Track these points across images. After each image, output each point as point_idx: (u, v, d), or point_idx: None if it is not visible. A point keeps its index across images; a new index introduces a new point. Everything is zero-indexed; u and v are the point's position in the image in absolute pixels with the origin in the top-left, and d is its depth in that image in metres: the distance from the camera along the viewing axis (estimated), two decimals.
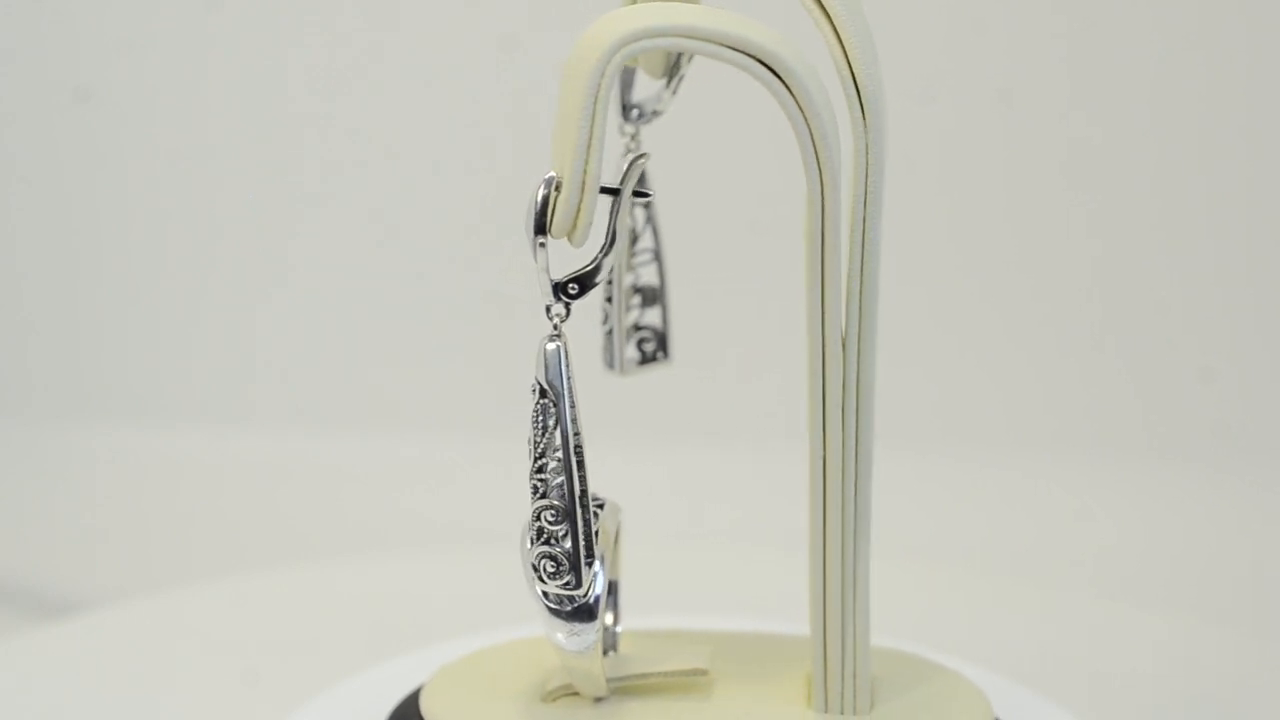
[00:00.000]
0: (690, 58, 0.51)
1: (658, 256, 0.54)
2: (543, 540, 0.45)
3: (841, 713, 0.49)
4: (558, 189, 0.44)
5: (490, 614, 0.64)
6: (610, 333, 0.54)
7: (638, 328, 0.55)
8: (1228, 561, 0.92)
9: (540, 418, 0.45)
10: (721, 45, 0.43)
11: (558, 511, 0.45)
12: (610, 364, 0.55)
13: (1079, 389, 1.01)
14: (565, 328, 0.45)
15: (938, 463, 1.00)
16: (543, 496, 0.45)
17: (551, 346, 0.45)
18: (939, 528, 0.95)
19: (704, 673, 0.50)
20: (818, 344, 0.46)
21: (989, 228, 1.02)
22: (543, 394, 0.45)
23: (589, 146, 0.43)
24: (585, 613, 0.46)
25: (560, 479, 0.45)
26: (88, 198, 1.05)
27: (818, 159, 0.44)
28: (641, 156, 0.45)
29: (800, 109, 0.44)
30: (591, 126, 0.43)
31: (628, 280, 0.54)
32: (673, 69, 0.52)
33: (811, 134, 0.44)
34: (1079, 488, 0.99)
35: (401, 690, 0.55)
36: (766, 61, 0.43)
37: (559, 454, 0.45)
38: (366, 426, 1.04)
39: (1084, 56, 1.00)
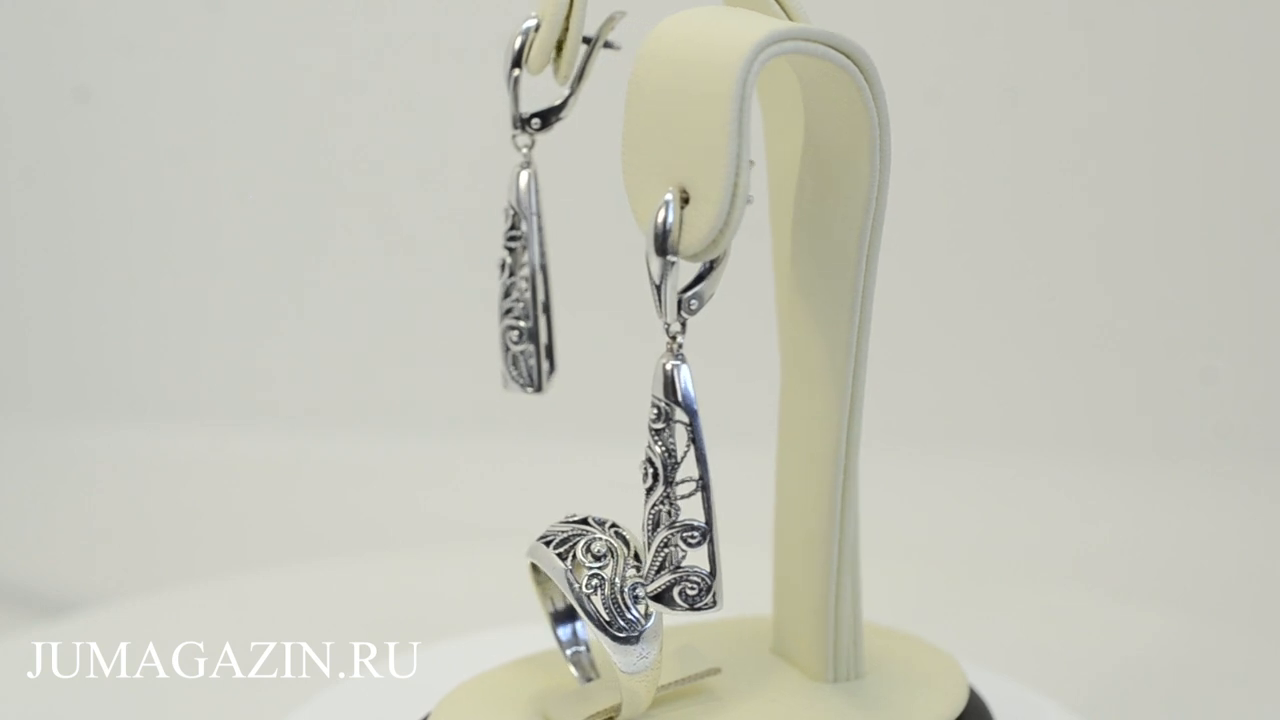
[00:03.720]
0: (593, 60, 0.51)
1: (544, 269, 0.53)
2: (670, 568, 0.44)
3: (847, 679, 0.51)
4: (684, 204, 0.42)
5: (490, 614, 0.64)
6: (522, 352, 0.53)
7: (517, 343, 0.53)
8: (1227, 561, 0.92)
9: (669, 440, 0.43)
10: (828, 46, 0.44)
11: (699, 533, 0.44)
12: (526, 384, 0.52)
13: (1079, 389, 1.01)
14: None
15: (938, 463, 1.00)
16: (672, 524, 0.44)
17: (675, 366, 0.43)
18: (939, 528, 0.95)
19: (718, 671, 0.50)
20: (851, 334, 0.47)
21: (990, 228, 1.02)
22: (668, 417, 0.43)
23: (739, 158, 0.42)
24: (653, 635, 0.45)
25: (692, 501, 0.44)
26: (88, 198, 1.05)
27: (881, 149, 0.46)
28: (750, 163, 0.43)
29: (874, 101, 0.45)
30: (740, 138, 0.42)
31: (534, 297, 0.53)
32: (580, 74, 0.52)
33: (880, 124, 0.45)
34: (1079, 488, 0.99)
35: (401, 690, 0.55)
36: (854, 57, 0.44)
37: (696, 477, 0.44)
38: (369, 426, 1.04)
39: (1091, 55, 1.00)
